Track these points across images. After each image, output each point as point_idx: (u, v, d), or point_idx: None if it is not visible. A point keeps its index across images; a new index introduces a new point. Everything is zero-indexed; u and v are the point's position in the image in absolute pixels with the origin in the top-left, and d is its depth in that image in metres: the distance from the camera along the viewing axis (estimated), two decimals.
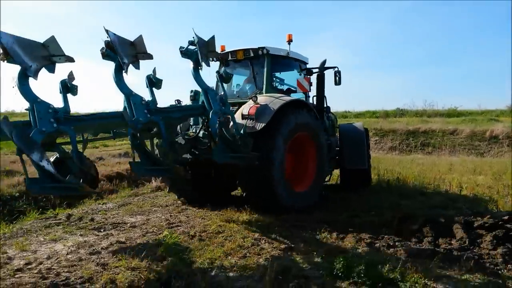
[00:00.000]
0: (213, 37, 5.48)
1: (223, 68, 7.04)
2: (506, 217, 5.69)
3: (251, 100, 6.87)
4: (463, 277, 4.19)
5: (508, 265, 4.45)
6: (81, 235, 5.90)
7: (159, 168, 5.15)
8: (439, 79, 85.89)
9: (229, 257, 4.81)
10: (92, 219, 6.83)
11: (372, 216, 6.68)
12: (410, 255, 4.77)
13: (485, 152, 23.05)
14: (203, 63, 5.50)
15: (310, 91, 7.83)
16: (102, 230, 6.20)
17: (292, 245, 5.29)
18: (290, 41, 8.30)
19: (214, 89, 6.03)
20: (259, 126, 6.48)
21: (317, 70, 8.70)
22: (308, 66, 9.01)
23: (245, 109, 6.75)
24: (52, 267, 4.47)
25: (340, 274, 4.18)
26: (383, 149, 23.92)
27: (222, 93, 5.84)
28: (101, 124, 5.05)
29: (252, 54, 7.88)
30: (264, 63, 7.81)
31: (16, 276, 4.22)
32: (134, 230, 6.20)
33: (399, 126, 26.10)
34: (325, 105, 9.04)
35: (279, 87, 8.43)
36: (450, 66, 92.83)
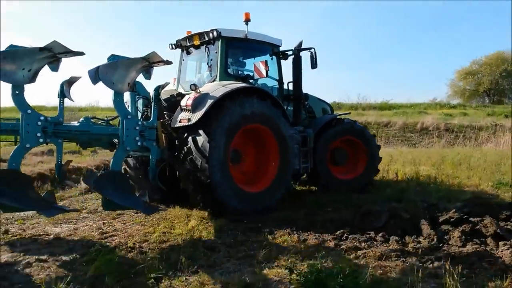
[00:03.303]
0: (153, 52, 5.15)
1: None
2: (466, 210, 5.59)
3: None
4: (440, 281, 3.83)
5: (483, 263, 4.18)
6: None
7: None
8: (369, 76, 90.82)
9: (179, 274, 4.05)
10: (6, 231, 5.65)
11: (331, 213, 6.25)
12: (380, 258, 4.37)
13: (416, 143, 24.21)
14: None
15: (266, 76, 6.93)
16: (18, 245, 5.10)
17: (251, 252, 4.66)
18: (247, 20, 7.16)
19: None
20: (194, 118, 5.86)
21: (291, 52, 7.83)
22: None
23: (184, 100, 6.18)
24: None
25: None
26: None
27: (143, 121, 5.49)
28: (90, 138, 5.38)
29: (206, 38, 7.13)
30: (218, 47, 6.99)
31: None
32: (58, 243, 5.17)
33: None
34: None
35: (244, 74, 7.44)
36: (375, 66, 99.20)
